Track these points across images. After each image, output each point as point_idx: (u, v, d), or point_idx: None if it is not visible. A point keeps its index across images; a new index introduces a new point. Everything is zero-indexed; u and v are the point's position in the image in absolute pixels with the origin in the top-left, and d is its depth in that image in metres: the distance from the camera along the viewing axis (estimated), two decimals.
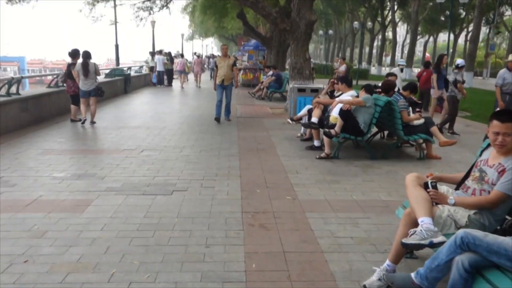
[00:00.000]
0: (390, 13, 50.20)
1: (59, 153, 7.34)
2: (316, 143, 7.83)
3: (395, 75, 9.52)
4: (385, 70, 53.37)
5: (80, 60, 10.00)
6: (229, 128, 10.10)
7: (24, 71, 64.92)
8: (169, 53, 24.08)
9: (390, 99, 7.01)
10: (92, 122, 10.27)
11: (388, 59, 77.56)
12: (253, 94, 18.05)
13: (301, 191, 5.22)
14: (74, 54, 10.29)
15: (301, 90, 11.17)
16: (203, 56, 46.02)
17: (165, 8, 18.11)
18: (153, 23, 27.30)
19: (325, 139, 7.12)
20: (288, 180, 5.75)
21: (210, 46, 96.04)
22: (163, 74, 22.62)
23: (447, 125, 9.90)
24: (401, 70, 13.40)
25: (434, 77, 10.87)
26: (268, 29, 28.95)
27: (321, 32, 62.18)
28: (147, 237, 3.84)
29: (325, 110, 8.04)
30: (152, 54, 24.56)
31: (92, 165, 6.56)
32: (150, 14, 17.76)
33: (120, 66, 23.67)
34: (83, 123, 10.08)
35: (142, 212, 4.48)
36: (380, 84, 8.78)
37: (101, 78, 17.28)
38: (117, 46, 20.32)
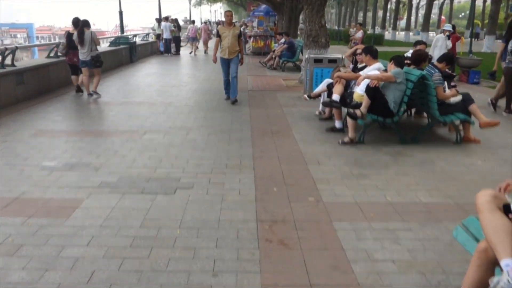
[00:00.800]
0: None
1: (53, 134, 6.63)
2: (337, 124, 7.01)
3: (424, 43, 8.51)
4: (399, 35, 51.45)
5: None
6: (240, 105, 9.29)
7: (33, 38, 64.13)
8: (176, 20, 22.98)
9: (423, 72, 6.12)
10: (94, 93, 9.84)
11: (402, 22, 75.25)
12: (265, 64, 17.08)
13: (326, 190, 4.45)
14: (75, 23, 9.76)
15: (317, 60, 10.23)
16: (211, 23, 44.61)
17: None
18: None
19: (349, 120, 6.29)
20: (309, 174, 4.98)
21: (218, 12, 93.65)
22: (170, 41, 21.64)
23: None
24: (448, 37, 12.19)
25: (501, 46, 9.30)
26: None
27: None
28: (142, 258, 3.14)
29: (348, 86, 7.19)
30: (159, 21, 23.49)
31: (87, 151, 5.84)
32: None
33: (126, 33, 22.73)
34: (89, 95, 9.82)
35: (139, 219, 3.77)
36: (409, 55, 7.88)
37: (104, 47, 16.47)
38: (121, 13, 19.28)
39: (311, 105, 8.99)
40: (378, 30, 52.58)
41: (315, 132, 7.03)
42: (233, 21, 10.02)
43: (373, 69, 6.57)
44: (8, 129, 6.90)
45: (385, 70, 6.53)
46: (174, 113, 8.36)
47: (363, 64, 7.44)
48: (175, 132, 6.91)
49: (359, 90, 6.45)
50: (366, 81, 6.21)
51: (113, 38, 16.94)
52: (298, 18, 20.34)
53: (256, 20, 40.67)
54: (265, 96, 10.37)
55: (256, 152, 5.92)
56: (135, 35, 20.40)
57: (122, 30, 19.95)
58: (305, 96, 8.22)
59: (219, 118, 7.99)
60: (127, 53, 17.36)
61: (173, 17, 24.75)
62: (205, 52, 23.93)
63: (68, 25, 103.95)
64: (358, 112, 6.06)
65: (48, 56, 11.32)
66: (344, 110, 6.91)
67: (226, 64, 9.52)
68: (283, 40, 16.48)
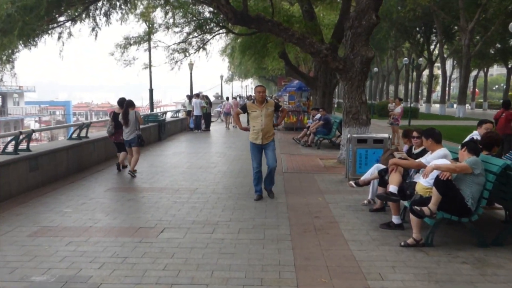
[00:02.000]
0: (436, 48, 47.94)
1: (55, 233, 5.62)
2: (395, 219, 5.75)
3: (491, 122, 7.33)
4: (433, 108, 50.45)
5: None
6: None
7: (70, 115, 66.44)
8: (207, 96, 22.78)
9: (508, 162, 4.91)
10: (131, 172, 9.63)
11: (434, 95, 74.64)
12: (298, 141, 16.15)
13: None
14: (121, 103, 10.03)
15: (361, 140, 9.17)
16: (241, 97, 44.90)
17: (201, 50, 16.80)
18: (191, 65, 26.32)
19: (413, 218, 5.05)
20: None
21: (249, 87, 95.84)
22: (200, 118, 21.23)
23: None
24: None
25: None
26: (311, 68, 27.43)
27: None
28: None
29: (406, 174, 6.01)
30: (190, 97, 23.35)
31: (90, 257, 4.76)
32: (185, 56, 16.47)
33: (157, 110, 22.58)
34: (118, 169, 10.12)
35: None
36: (475, 136, 6.72)
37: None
38: (151, 91, 19.12)
39: (357, 192, 7.80)
40: (411, 103, 51.90)
41: (367, 229, 5.78)
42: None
43: (439, 157, 5.39)
44: (8, 226, 5.94)
45: (455, 159, 5.36)
46: (199, 202, 7.29)
47: (420, 149, 6.31)
48: (199, 229, 5.79)
49: (423, 182, 5.25)
50: (434, 172, 5.02)
51: (142, 116, 16.51)
52: (332, 93, 19.68)
53: (287, 95, 40.80)
54: (303, 180, 9.25)
55: (298, 259, 4.69)
56: (165, 112, 20.10)
57: (152, 108, 19.73)
58: (351, 183, 7.06)
59: (251, 209, 6.86)
60: (156, 131, 16.85)
61: (204, 93, 24.69)
62: (234, 126, 23.63)
63: (104, 102, 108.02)
64: (426, 210, 4.82)
65: (70, 138, 10.71)
66: (403, 202, 5.70)
67: (259, 151, 7.57)
68: (318, 115, 15.64)
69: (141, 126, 10.03)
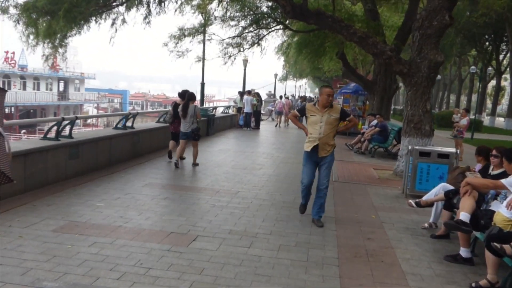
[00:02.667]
0: (506, 57, 44.85)
1: (81, 231, 5.19)
2: (464, 252, 4.87)
3: None
4: (498, 121, 47.37)
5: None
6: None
7: (126, 104, 68.20)
8: (258, 94, 22.22)
9: None
10: (195, 164, 10.05)
11: (499, 108, 70.37)
12: (351, 147, 15.24)
13: None
14: (182, 95, 10.28)
15: (424, 154, 8.23)
16: (292, 97, 44.00)
17: (256, 45, 16.22)
18: (245, 61, 25.87)
19: (488, 255, 4.18)
20: None
21: (303, 87, 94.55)
22: (250, 116, 20.72)
23: None
24: None
25: None
26: (369, 71, 26.24)
27: None
28: None
29: (481, 199, 5.11)
30: (241, 94, 22.90)
31: (110, 265, 4.26)
32: (239, 51, 15.97)
33: (207, 105, 22.29)
34: (176, 166, 9.72)
35: None
36: None
37: None
38: (202, 85, 18.76)
39: (415, 211, 6.92)
40: (473, 115, 49.04)
41: (429, 260, 4.94)
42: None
43: None
44: (36, 217, 5.60)
45: None
46: (239, 208, 6.69)
47: (500, 171, 5.37)
48: (235, 241, 5.18)
49: (505, 213, 4.36)
50: None
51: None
52: (391, 99, 18.56)
53: (342, 97, 39.58)
54: (354, 191, 8.44)
55: None
56: (215, 108, 19.73)
57: (202, 102, 19.37)
58: (411, 202, 6.22)
59: (295, 221, 6.18)
60: (204, 126, 16.46)
61: (256, 91, 24.19)
62: (286, 125, 24.28)
63: (160, 93, 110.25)
64: (508, 249, 3.95)
65: (116, 127, 10.45)
66: (475, 233, 4.82)
67: (312, 163, 6.22)
68: (374, 122, 14.66)
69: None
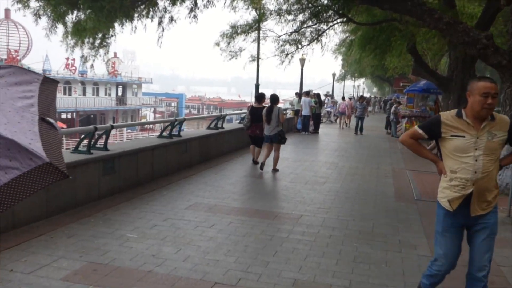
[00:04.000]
0: None
1: (97, 279, 3.98)
2: None
3: None
4: None
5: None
6: (409, 230, 5.85)
7: (182, 108, 68.64)
8: (318, 95, 20.61)
9: None
10: (275, 170, 9.67)
11: None
12: None
13: None
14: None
15: None
16: (352, 99, 41.94)
17: (315, 42, 14.67)
18: (302, 60, 24.32)
19: None
20: None
21: (361, 87, 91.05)
22: (309, 119, 19.16)
23: None
24: None
25: None
26: (437, 67, 23.87)
27: None
28: None
29: None
30: (299, 95, 21.40)
31: None
32: (297, 48, 14.50)
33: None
34: (261, 168, 9.69)
35: None
36: None
37: (233, 124, 14.54)
38: (257, 86, 17.37)
39: None
40: None
41: None
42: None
43: None
44: (48, 256, 4.46)
45: None
46: (303, 241, 5.24)
47: None
48: None
49: None
50: None
51: (244, 114, 14.95)
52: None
53: (405, 97, 36.98)
54: None
55: None
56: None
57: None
58: None
59: (380, 264, 4.64)
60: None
61: (314, 91, 22.59)
62: (347, 125, 23.27)
63: (215, 96, 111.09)
64: None
65: (160, 136, 9.35)
66: None
67: (459, 229, 3.46)
68: None
69: (234, 126, 8.78)
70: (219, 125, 12.14)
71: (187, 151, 9.62)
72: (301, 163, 11.13)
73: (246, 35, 13.37)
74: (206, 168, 9.60)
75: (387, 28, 16.11)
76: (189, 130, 14.24)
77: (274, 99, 9.87)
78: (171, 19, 10.54)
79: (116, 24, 9.25)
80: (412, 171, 10.68)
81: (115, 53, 53.45)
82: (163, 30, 10.22)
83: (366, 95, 72.41)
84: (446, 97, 16.42)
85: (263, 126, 9.80)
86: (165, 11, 10.07)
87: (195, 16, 10.21)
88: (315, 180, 8.98)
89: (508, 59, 8.08)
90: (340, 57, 48.47)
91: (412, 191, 8.37)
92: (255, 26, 13.38)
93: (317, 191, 7.96)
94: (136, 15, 9.60)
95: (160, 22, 10.25)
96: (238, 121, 15.02)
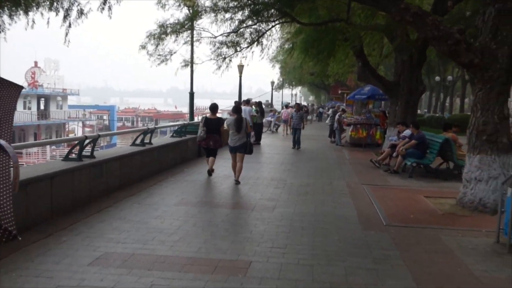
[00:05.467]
0: None
1: None
2: None
3: None
4: None
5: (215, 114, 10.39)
6: (394, 277, 4.43)
7: (114, 121, 65.24)
8: (259, 103, 19.22)
9: None
10: (237, 182, 9.32)
11: None
12: (378, 164, 12.26)
13: None
14: (213, 108, 10.37)
15: None
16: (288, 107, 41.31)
17: (255, 44, 13.26)
18: (240, 67, 22.92)
19: None
20: None
21: (298, 95, 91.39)
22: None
23: None
24: None
25: None
26: (383, 73, 23.38)
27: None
28: None
29: None
30: (239, 104, 19.85)
31: None
32: (236, 51, 13.00)
33: (196, 120, 19.28)
34: (237, 183, 9.29)
35: None
36: None
37: (165, 139, 12.77)
38: (192, 95, 15.49)
39: None
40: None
41: None
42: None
43: None
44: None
45: None
46: None
47: None
48: None
49: None
50: None
51: (178, 127, 13.15)
52: (417, 104, 15.64)
53: (344, 104, 36.68)
54: (426, 247, 5.42)
55: None
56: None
57: (192, 116, 16.18)
58: None
59: None
60: (195, 144, 13.41)
61: (255, 100, 21.22)
62: (288, 134, 22.72)
63: (150, 107, 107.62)
64: None
65: (66, 158, 7.40)
66: None
67: None
68: (407, 132, 11.71)
69: (175, 140, 7.44)
70: (146, 141, 10.32)
71: (103, 176, 7.72)
72: (244, 182, 9.54)
73: (177, 36, 11.69)
74: (127, 196, 7.75)
75: (332, 30, 15.04)
76: (111, 149, 12.23)
77: (240, 109, 9.85)
78: (81, 12, 8.63)
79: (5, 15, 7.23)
80: (368, 185, 9.44)
81: (35, 62, 49.39)
82: (69, 26, 8.29)
83: (303, 103, 72.45)
84: (393, 103, 15.61)
85: (217, 137, 9.92)
86: (72, 3, 8.14)
87: (109, 8, 8.37)
88: (262, 205, 7.42)
89: (480, 57, 7.04)
90: (278, 66, 47.81)
91: (377, 212, 7.05)
92: (187, 24, 11.70)
93: (266, 221, 6.39)
94: (34, 4, 7.61)
95: (66, 16, 8.31)
96: (171, 134, 13.20)
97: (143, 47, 11.58)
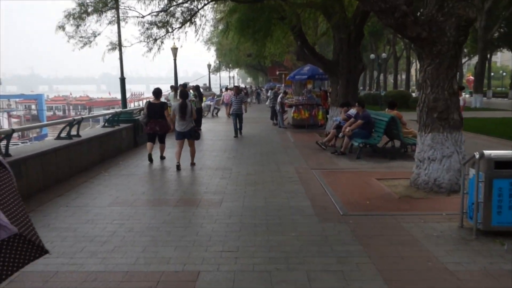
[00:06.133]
0: None
1: None
2: None
3: None
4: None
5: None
6: (361, 277, 3.93)
7: (43, 111, 61.29)
8: (197, 87, 18.30)
9: None
10: (193, 164, 9.50)
11: None
12: (324, 145, 11.90)
13: None
14: (157, 93, 10.04)
15: (502, 164, 4.90)
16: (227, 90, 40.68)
17: (188, 24, 12.32)
18: (174, 50, 21.74)
19: None
20: None
21: (236, 78, 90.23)
22: None
23: None
24: None
25: None
26: (325, 50, 23.12)
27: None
28: None
29: None
30: (175, 89, 18.82)
31: None
32: (167, 32, 12.01)
33: (132, 104, 18.03)
34: (178, 169, 9.07)
35: None
36: None
37: (96, 129, 11.67)
38: (122, 80, 14.15)
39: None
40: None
41: None
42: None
43: None
44: None
45: None
46: None
47: None
48: None
49: None
50: None
51: (110, 115, 12.02)
52: (357, 82, 15.44)
53: (283, 85, 36.36)
54: (388, 236, 5.00)
55: None
56: (142, 109, 15.55)
57: (125, 103, 14.83)
58: None
59: None
60: (130, 134, 12.42)
61: (191, 84, 20.25)
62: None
63: (83, 95, 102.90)
64: None
65: (59, 137, 6.51)
66: None
67: None
68: (352, 111, 11.41)
69: (108, 130, 7.30)
70: (73, 133, 9.25)
71: (22, 176, 6.67)
72: (186, 173, 8.79)
73: (99, 15, 10.47)
74: (52, 198, 6.78)
75: (267, 8, 14.42)
76: (30, 145, 10.95)
77: (185, 94, 9.64)
78: None
79: None
80: (318, 170, 9.01)
81: None
82: None
83: (241, 86, 71.72)
84: (334, 82, 15.31)
85: (163, 122, 9.79)
86: None
87: None
88: (208, 200, 6.73)
89: (427, 31, 6.68)
90: (213, 48, 46.66)
91: (331, 201, 6.58)
92: (111, 2, 10.53)
93: (214, 219, 5.73)
94: None
95: None
96: (103, 124, 12.07)
97: (62, 27, 10.31)
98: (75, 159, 8.66)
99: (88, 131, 10.97)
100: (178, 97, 16.64)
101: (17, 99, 64.19)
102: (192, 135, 9.42)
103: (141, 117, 9.96)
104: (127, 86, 17.51)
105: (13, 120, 59.43)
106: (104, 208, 6.31)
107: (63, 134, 8.97)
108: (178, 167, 9.06)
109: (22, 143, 29.17)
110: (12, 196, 1.47)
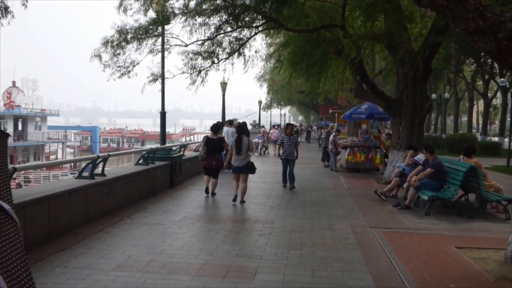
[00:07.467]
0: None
1: None
2: None
3: None
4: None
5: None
6: None
7: (96, 143, 63.12)
8: (244, 124, 17.11)
9: None
10: (242, 202, 9.25)
11: (493, 127, 66.80)
12: (384, 196, 10.17)
13: None
14: (215, 128, 10.35)
15: None
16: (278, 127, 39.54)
17: (236, 55, 11.24)
18: (223, 84, 20.93)
19: None
20: None
21: (287, 115, 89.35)
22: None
23: None
24: None
25: None
26: (381, 88, 21.53)
27: None
28: None
29: None
30: (221, 125, 17.71)
31: None
32: (213, 63, 10.97)
33: (188, 137, 17.05)
34: (234, 200, 9.26)
35: None
36: None
37: (126, 167, 10.63)
38: (163, 114, 13.13)
39: None
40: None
41: None
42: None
43: None
44: None
45: None
46: None
47: None
48: None
49: None
50: None
51: (144, 152, 10.94)
52: (423, 123, 13.67)
53: (336, 124, 34.71)
54: None
55: None
56: (184, 145, 14.43)
57: (164, 140, 13.61)
58: None
59: None
60: (166, 173, 11.27)
61: (239, 120, 19.15)
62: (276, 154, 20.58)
63: (137, 128, 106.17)
64: None
65: (80, 176, 5.47)
66: None
67: None
68: (420, 157, 9.69)
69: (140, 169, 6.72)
70: (201, 155, 9.52)
71: (112, 193, 5.53)
72: (219, 227, 7.38)
73: (139, 43, 9.55)
74: (53, 253, 5.58)
75: (323, 41, 13.15)
76: (36, 186, 10.01)
77: (242, 129, 9.70)
78: (5, 9, 6.55)
79: None
80: (379, 229, 7.34)
81: (13, 82, 47.15)
82: None
83: (292, 122, 70.40)
84: (396, 123, 13.60)
85: (219, 157, 10.14)
86: None
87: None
88: (239, 268, 5.25)
89: None
90: (265, 85, 46.06)
91: (402, 280, 4.91)
92: (155, 29, 9.61)
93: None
94: None
95: None
96: (137, 161, 10.99)
97: (97, 56, 9.50)
98: (94, 202, 7.50)
99: (115, 169, 9.93)
100: (222, 134, 15.59)
101: (74, 131, 66.43)
102: (249, 169, 9.42)
103: (201, 152, 10.18)
104: (181, 121, 16.77)
105: (69, 150, 61.34)
106: (107, 273, 5.00)
107: (85, 173, 7.91)
108: (234, 199, 9.27)
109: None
110: (15, 254, 1.33)
